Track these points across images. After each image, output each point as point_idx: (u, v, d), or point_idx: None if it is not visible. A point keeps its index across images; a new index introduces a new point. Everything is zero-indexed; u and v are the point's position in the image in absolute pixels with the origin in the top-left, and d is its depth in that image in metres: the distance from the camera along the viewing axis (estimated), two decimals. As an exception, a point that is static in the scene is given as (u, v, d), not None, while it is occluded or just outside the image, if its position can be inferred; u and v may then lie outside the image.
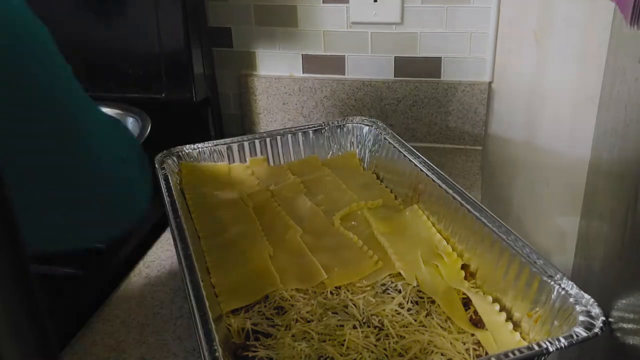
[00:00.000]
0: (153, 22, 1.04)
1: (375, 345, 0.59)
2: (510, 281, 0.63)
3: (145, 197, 0.60)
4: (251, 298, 0.66)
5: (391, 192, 0.87)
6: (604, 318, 0.54)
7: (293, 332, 0.61)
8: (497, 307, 0.63)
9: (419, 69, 1.12)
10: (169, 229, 0.74)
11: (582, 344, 0.52)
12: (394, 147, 0.88)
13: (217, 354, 0.51)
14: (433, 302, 0.65)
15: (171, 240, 0.72)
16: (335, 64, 1.15)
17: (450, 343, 0.59)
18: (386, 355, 0.58)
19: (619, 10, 0.81)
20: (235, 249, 0.74)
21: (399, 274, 0.69)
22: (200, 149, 0.91)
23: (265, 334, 0.61)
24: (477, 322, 0.63)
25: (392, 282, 0.68)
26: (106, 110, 1.04)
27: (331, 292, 0.67)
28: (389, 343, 0.59)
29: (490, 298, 0.64)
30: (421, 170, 0.80)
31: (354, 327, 0.61)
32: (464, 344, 0.59)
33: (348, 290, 0.68)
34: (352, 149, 0.97)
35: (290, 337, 0.60)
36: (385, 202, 0.84)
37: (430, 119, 1.14)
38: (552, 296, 0.58)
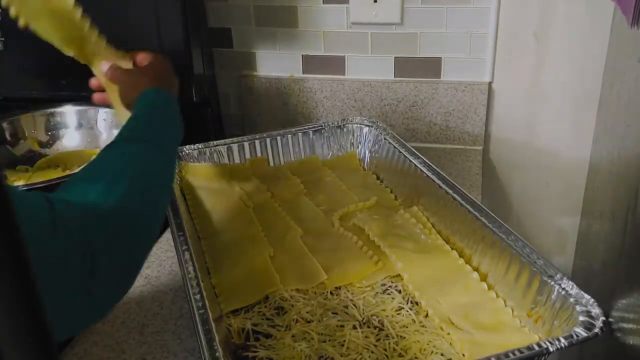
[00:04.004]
0: (153, 22, 1.04)
1: (375, 346, 0.59)
2: (511, 281, 0.63)
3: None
4: (251, 298, 0.66)
5: (391, 192, 0.87)
6: (604, 318, 0.54)
7: (293, 333, 0.61)
8: (502, 302, 0.63)
9: (419, 69, 1.12)
10: (169, 229, 0.74)
11: (582, 344, 0.52)
12: (394, 147, 0.88)
13: (217, 354, 0.51)
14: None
15: (171, 241, 0.72)
16: (335, 64, 1.15)
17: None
18: (386, 356, 0.58)
19: (621, 11, 0.81)
20: (236, 250, 0.74)
21: (399, 274, 0.69)
22: (200, 149, 0.91)
23: (266, 335, 0.61)
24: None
25: (392, 283, 0.68)
26: (106, 110, 1.04)
27: (331, 293, 0.67)
28: (389, 343, 0.59)
29: (493, 294, 0.64)
30: (421, 170, 0.80)
31: (354, 327, 0.61)
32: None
33: (348, 291, 0.68)
34: (352, 149, 0.97)
35: (290, 338, 0.60)
36: (385, 203, 0.84)
37: (430, 119, 1.14)
38: (552, 296, 0.58)
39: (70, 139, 1.04)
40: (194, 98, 1.08)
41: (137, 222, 0.52)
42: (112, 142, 0.58)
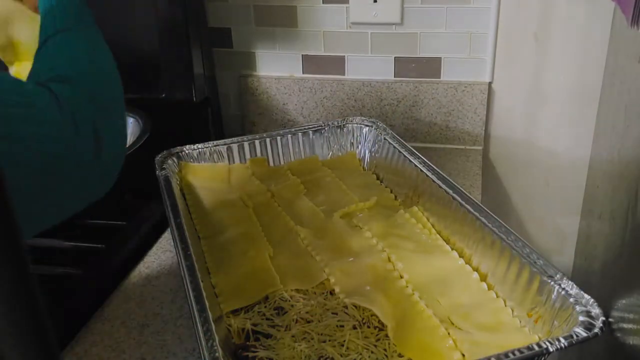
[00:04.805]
0: (153, 22, 1.04)
1: (375, 346, 0.59)
2: (511, 281, 0.63)
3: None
4: (251, 298, 0.66)
5: (391, 192, 0.87)
6: (604, 318, 0.54)
7: (293, 333, 0.61)
8: (502, 302, 0.63)
9: (419, 69, 1.12)
10: (169, 229, 0.74)
11: (582, 344, 0.52)
12: (394, 147, 0.88)
13: (217, 354, 0.51)
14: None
15: (171, 241, 0.72)
16: (335, 64, 1.15)
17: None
18: (386, 356, 0.58)
19: (621, 11, 0.81)
20: (236, 250, 0.74)
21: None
22: (200, 150, 0.91)
23: (266, 335, 0.61)
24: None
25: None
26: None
27: (331, 292, 0.67)
28: (389, 343, 0.59)
29: (493, 294, 0.64)
30: (421, 170, 0.80)
31: (354, 327, 0.61)
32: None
33: (348, 291, 0.68)
34: (352, 149, 0.97)
35: (290, 338, 0.60)
36: (385, 203, 0.84)
37: (430, 119, 1.14)
38: (552, 296, 0.58)
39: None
40: (194, 98, 1.09)
41: (111, 86, 0.56)
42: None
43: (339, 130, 0.97)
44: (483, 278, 0.67)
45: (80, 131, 0.47)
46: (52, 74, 0.50)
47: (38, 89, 0.46)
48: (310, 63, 1.16)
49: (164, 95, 1.08)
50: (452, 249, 0.71)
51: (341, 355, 0.58)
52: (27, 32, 0.67)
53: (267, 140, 0.95)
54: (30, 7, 0.65)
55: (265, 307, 0.65)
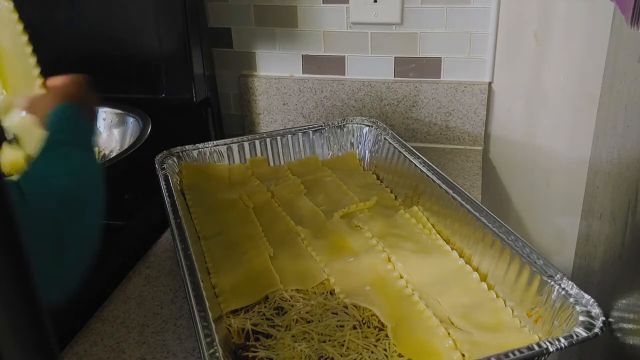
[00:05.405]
0: (153, 22, 1.04)
1: (375, 346, 0.59)
2: (511, 281, 0.63)
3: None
4: (251, 298, 0.66)
5: (391, 192, 0.87)
6: (604, 318, 0.54)
7: (293, 333, 0.61)
8: (502, 302, 0.63)
9: (419, 69, 1.12)
10: (169, 229, 0.74)
11: (582, 344, 0.52)
12: (394, 147, 0.88)
13: (217, 354, 0.52)
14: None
15: (171, 241, 0.72)
16: (335, 64, 1.15)
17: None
18: (386, 356, 0.58)
19: (620, 10, 0.81)
20: (236, 250, 0.74)
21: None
22: (200, 149, 0.91)
23: (266, 335, 0.61)
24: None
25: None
26: (106, 110, 1.05)
27: (331, 292, 0.67)
28: (389, 343, 0.59)
29: (493, 294, 0.64)
30: (421, 170, 0.80)
31: (354, 327, 0.61)
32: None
33: (348, 291, 0.68)
34: (352, 149, 0.97)
35: (290, 338, 0.60)
36: (385, 203, 0.84)
37: (430, 119, 1.14)
38: (552, 296, 0.58)
39: (70, 139, 1.04)
40: (194, 98, 1.08)
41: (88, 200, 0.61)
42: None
43: (339, 130, 0.97)
44: (483, 278, 0.67)
45: (40, 225, 0.52)
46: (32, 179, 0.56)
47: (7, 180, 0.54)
48: (310, 63, 1.16)
49: (164, 95, 1.08)
50: (452, 249, 0.71)
51: (341, 355, 0.58)
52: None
53: (267, 140, 0.95)
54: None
55: (265, 307, 0.65)
